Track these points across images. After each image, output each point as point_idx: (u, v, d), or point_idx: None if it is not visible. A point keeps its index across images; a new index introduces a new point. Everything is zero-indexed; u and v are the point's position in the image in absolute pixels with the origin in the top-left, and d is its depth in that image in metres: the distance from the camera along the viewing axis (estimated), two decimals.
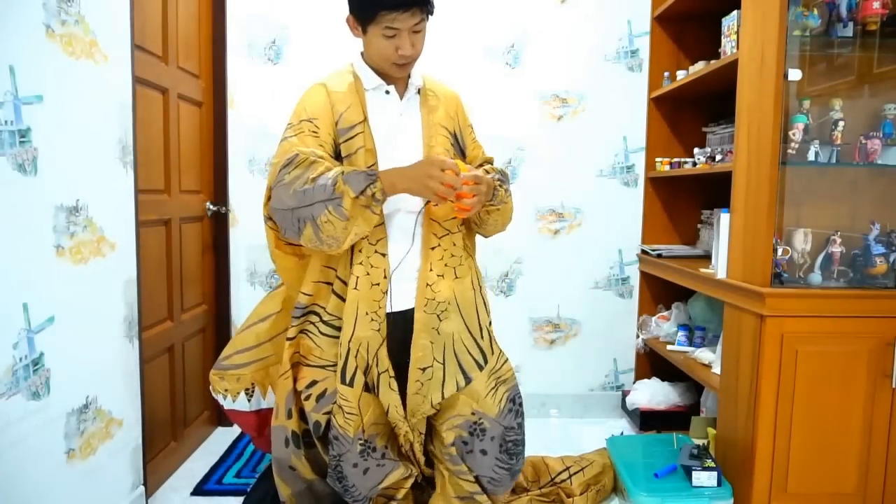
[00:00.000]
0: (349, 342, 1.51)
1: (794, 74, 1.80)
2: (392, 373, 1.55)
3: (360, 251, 1.51)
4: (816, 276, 1.89)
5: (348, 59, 1.67)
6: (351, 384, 1.53)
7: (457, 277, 1.59)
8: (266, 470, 1.87)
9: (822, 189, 2.02)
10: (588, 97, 2.86)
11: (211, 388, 1.75)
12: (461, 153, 1.67)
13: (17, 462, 1.40)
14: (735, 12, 2.06)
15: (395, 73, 1.53)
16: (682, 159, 2.69)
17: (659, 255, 2.67)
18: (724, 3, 2.16)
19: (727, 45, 2.14)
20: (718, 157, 2.37)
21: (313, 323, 1.59)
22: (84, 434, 1.67)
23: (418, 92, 1.62)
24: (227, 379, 1.71)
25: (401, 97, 1.59)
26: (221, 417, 2.75)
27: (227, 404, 1.73)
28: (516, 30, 2.81)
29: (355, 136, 1.51)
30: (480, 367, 1.62)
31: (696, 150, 2.57)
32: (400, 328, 1.56)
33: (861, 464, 1.84)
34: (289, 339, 1.61)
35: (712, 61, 2.28)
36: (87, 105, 1.67)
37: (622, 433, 2.49)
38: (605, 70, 2.86)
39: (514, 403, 1.68)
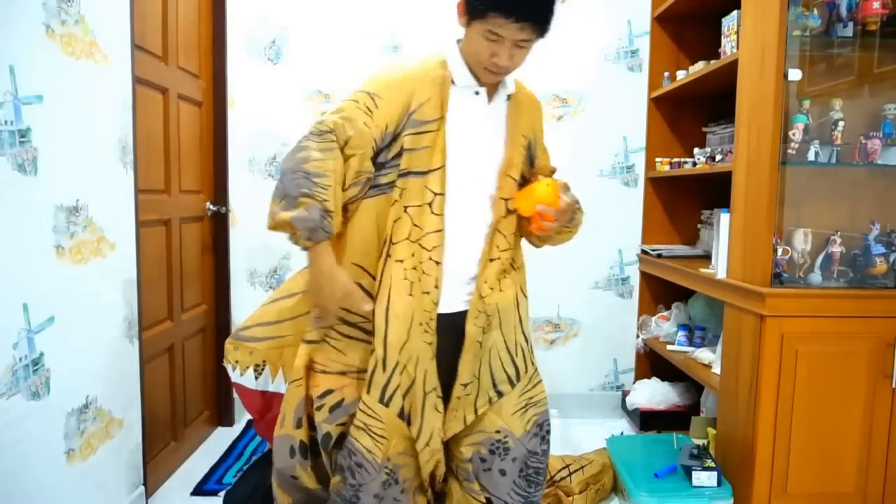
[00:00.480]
0: (399, 354, 1.38)
1: (794, 74, 1.80)
2: (440, 392, 1.44)
3: (412, 255, 1.39)
4: (816, 276, 1.89)
5: (440, 48, 1.47)
6: (387, 404, 1.40)
7: (501, 290, 1.49)
8: (255, 462, 1.78)
9: (822, 189, 2.02)
10: (588, 97, 2.86)
11: (225, 357, 1.67)
12: (530, 163, 1.56)
13: (17, 462, 1.40)
14: (735, 12, 2.06)
15: (484, 78, 1.41)
16: (682, 159, 2.69)
17: (659, 255, 2.67)
18: (724, 3, 2.16)
19: (727, 45, 2.14)
20: (718, 157, 2.37)
21: (335, 328, 1.46)
22: (84, 434, 1.67)
23: (508, 98, 1.50)
24: (240, 349, 1.61)
25: (489, 99, 1.46)
26: (221, 417, 2.75)
27: (234, 377, 1.65)
28: None
29: (426, 133, 1.38)
30: (512, 384, 1.51)
31: (696, 150, 2.57)
32: (445, 338, 1.43)
33: (861, 464, 1.84)
34: (308, 341, 1.49)
35: (712, 61, 2.28)
36: (87, 105, 1.67)
37: (622, 433, 2.49)
38: (605, 70, 2.86)
39: (542, 429, 1.56)
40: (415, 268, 1.39)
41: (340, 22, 2.81)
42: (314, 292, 1.38)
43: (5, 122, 1.34)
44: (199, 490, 2.18)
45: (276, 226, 1.33)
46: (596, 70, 2.85)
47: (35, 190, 1.45)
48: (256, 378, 1.62)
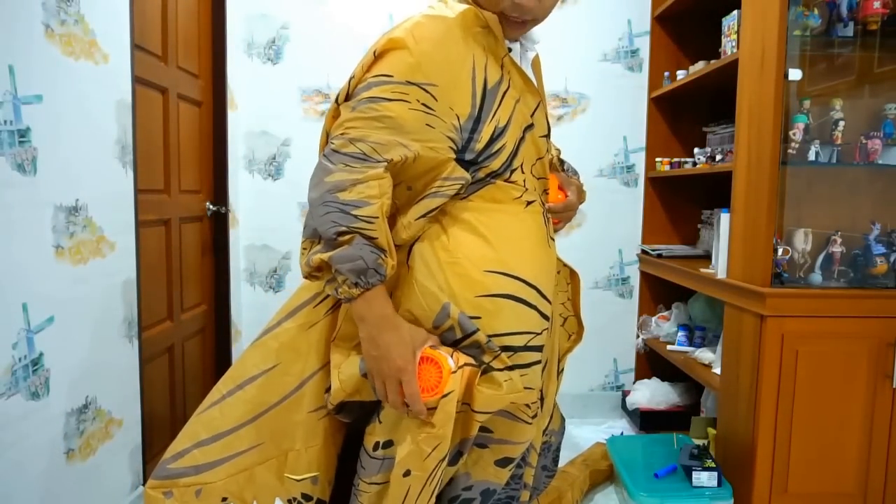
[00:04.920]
0: (550, 321, 1.20)
1: (795, 74, 1.80)
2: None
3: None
4: (817, 276, 1.89)
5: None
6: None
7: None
8: None
9: (823, 189, 2.02)
10: (588, 97, 2.86)
11: None
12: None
13: (17, 462, 1.40)
14: (735, 12, 2.06)
15: (508, 29, 1.09)
16: (682, 159, 2.68)
17: (659, 255, 2.67)
18: (724, 3, 2.16)
19: (727, 45, 2.14)
20: (718, 157, 2.37)
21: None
22: (84, 434, 1.67)
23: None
24: (177, 494, 1.11)
25: (519, 59, 1.15)
26: None
27: None
28: None
29: (507, 90, 1.08)
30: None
31: (696, 150, 2.57)
32: None
33: (861, 464, 1.83)
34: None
35: (712, 61, 2.28)
36: (87, 105, 1.67)
37: (622, 433, 2.48)
38: (605, 70, 2.86)
39: (559, 410, 1.49)
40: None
41: (340, 22, 2.81)
42: (377, 361, 1.03)
43: (5, 121, 1.34)
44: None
45: (311, 272, 1.03)
46: (596, 70, 2.85)
47: (34, 190, 1.45)
48: None
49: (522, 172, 1.12)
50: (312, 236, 1.02)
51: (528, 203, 1.14)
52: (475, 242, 1.08)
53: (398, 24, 1.07)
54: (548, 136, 1.21)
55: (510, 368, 1.07)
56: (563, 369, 1.43)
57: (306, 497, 1.15)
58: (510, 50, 1.11)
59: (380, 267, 0.98)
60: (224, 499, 1.11)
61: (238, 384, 1.15)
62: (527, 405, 1.11)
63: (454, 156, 1.05)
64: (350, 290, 0.98)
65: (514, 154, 1.10)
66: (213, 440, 1.12)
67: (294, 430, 1.15)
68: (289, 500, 1.13)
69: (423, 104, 1.00)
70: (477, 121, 1.05)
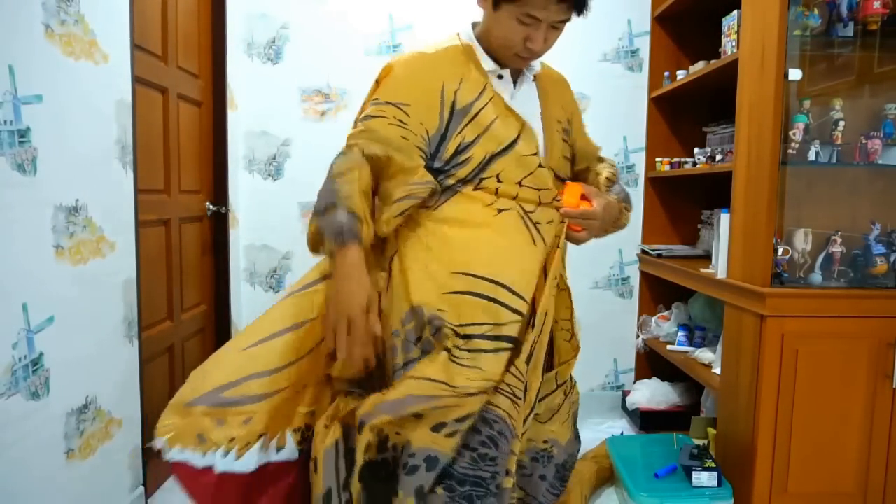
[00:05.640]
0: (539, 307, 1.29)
1: (795, 74, 1.80)
2: None
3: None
4: (817, 276, 1.89)
5: (451, 32, 1.38)
6: (528, 362, 1.29)
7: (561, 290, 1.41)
8: None
9: (823, 189, 2.02)
10: (588, 97, 2.86)
11: (195, 441, 1.18)
12: (570, 150, 1.45)
13: (17, 462, 1.40)
14: (735, 12, 2.06)
15: (513, 64, 1.30)
16: (682, 159, 2.68)
17: (659, 255, 2.67)
18: (724, 3, 2.16)
19: (727, 45, 2.14)
20: (718, 157, 2.37)
21: (458, 347, 1.24)
22: (84, 434, 1.67)
23: (535, 79, 1.39)
24: (230, 420, 1.19)
25: (515, 84, 1.34)
26: None
27: (221, 464, 1.18)
28: None
29: (482, 110, 1.26)
30: (565, 393, 1.46)
31: (696, 150, 2.57)
32: None
33: (861, 464, 1.83)
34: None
35: (712, 61, 2.28)
36: (87, 105, 1.67)
37: (622, 433, 2.48)
38: (605, 70, 2.86)
39: (576, 428, 1.53)
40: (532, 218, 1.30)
41: (340, 22, 2.81)
42: (335, 302, 1.17)
43: (5, 121, 1.34)
44: None
45: (312, 243, 1.22)
46: (596, 70, 2.85)
47: (34, 190, 1.45)
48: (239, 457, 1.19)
49: (499, 182, 1.27)
50: (312, 216, 1.22)
51: (500, 210, 1.28)
52: (443, 249, 1.26)
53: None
54: (536, 153, 1.31)
55: (470, 352, 1.23)
56: (564, 383, 1.46)
57: (307, 427, 1.30)
58: (501, 77, 1.31)
59: (355, 228, 1.17)
60: (262, 434, 1.22)
61: (287, 327, 1.28)
62: (467, 378, 1.21)
63: (423, 163, 1.25)
64: (331, 247, 1.17)
65: (484, 166, 1.26)
66: (266, 374, 1.23)
67: (315, 371, 1.31)
68: (295, 430, 1.28)
69: (399, 120, 1.24)
70: (444, 135, 1.25)
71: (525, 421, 1.32)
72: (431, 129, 1.25)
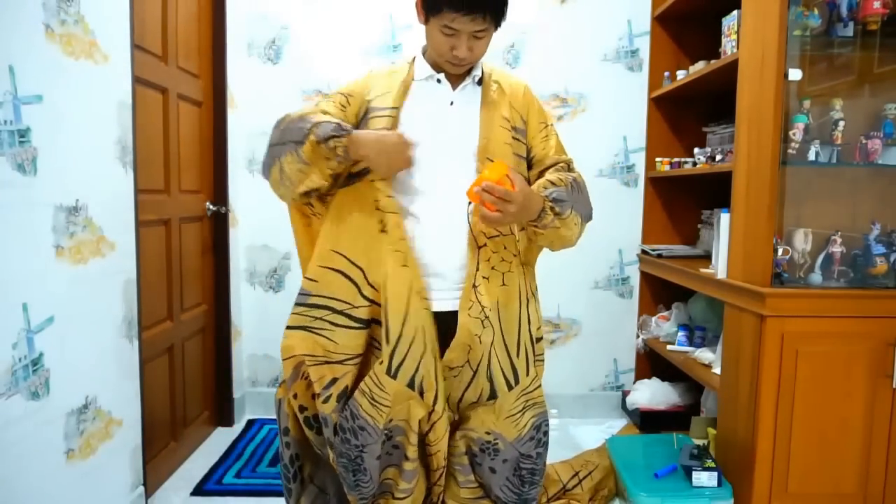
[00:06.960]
0: (402, 326, 1.37)
1: (795, 74, 1.80)
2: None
3: (390, 245, 1.39)
4: (817, 276, 1.89)
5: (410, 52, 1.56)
6: (395, 376, 1.37)
7: (503, 284, 1.43)
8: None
9: (823, 189, 2.02)
10: (588, 97, 2.86)
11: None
12: (526, 153, 1.50)
13: (17, 462, 1.40)
14: (735, 12, 2.06)
15: (450, 70, 1.45)
16: (682, 159, 2.68)
17: (659, 255, 2.67)
18: (724, 3, 2.16)
19: (727, 45, 2.14)
20: (718, 157, 2.37)
21: (321, 318, 1.43)
22: (84, 434, 1.67)
23: (479, 83, 1.48)
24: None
25: (454, 87, 1.47)
26: (221, 418, 2.75)
27: None
28: (516, 29, 2.80)
29: (380, 117, 1.43)
30: (510, 387, 1.45)
31: (696, 150, 2.57)
32: (441, 333, 1.41)
33: (861, 464, 1.83)
34: (293, 327, 1.46)
35: (712, 61, 2.28)
36: (87, 105, 1.67)
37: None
38: (605, 70, 2.86)
39: (539, 432, 1.50)
40: (396, 252, 1.39)
41: (340, 22, 2.81)
42: (386, 153, 1.34)
43: (5, 121, 1.34)
44: (199, 490, 2.18)
45: (301, 194, 1.41)
46: (596, 70, 2.85)
47: (35, 190, 1.45)
48: None
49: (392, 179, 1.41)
50: (278, 156, 1.39)
51: (377, 206, 1.41)
52: (329, 227, 1.47)
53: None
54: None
55: (330, 323, 1.43)
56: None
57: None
58: (439, 81, 1.45)
59: (343, 124, 1.34)
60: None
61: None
62: (329, 350, 1.42)
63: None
64: (341, 141, 1.31)
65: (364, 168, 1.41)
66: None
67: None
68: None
69: (341, 104, 1.46)
70: (356, 128, 1.41)
71: (488, 432, 1.46)
72: (353, 121, 1.46)
